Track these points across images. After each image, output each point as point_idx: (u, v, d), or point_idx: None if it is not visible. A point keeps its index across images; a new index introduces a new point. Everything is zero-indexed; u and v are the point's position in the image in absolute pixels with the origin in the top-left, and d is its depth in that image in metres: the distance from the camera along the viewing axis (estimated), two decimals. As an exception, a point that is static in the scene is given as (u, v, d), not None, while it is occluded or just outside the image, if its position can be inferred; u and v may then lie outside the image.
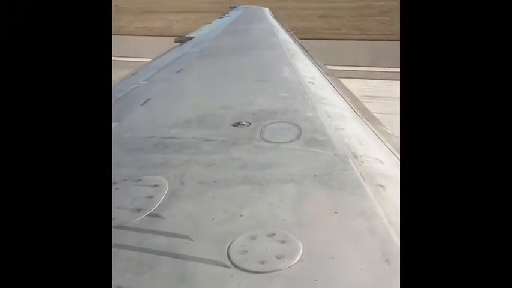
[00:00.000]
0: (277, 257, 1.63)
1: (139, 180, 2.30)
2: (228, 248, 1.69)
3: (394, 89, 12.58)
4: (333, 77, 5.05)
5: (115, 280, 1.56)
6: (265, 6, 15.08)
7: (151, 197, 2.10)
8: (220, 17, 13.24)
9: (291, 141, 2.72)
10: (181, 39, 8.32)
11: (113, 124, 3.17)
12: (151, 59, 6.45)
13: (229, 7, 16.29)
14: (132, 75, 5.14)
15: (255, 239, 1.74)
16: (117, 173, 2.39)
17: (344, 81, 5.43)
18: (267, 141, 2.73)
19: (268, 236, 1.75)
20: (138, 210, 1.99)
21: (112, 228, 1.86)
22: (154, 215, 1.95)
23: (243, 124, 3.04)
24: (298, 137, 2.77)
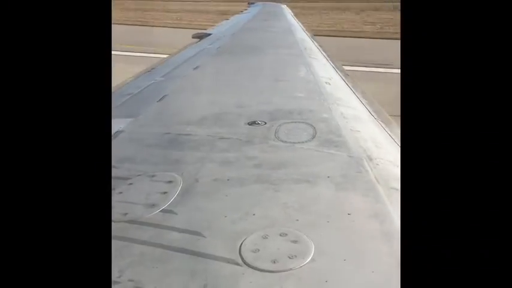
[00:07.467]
0: (289, 257, 1.63)
1: (153, 176, 2.32)
2: (240, 246, 1.70)
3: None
4: (350, 78, 5.03)
5: (127, 274, 1.58)
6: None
7: (165, 193, 2.12)
8: (239, 13, 13.27)
9: (306, 141, 2.72)
10: (199, 35, 8.35)
11: (129, 119, 3.21)
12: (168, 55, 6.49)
13: (248, 3, 16.31)
14: (149, 71, 5.18)
15: (267, 238, 1.74)
16: (132, 168, 2.42)
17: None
18: (281, 141, 2.73)
19: (281, 235, 1.76)
20: (152, 205, 2.01)
21: (125, 223, 1.89)
22: (167, 211, 1.97)
23: (259, 123, 3.05)
24: (313, 137, 2.77)
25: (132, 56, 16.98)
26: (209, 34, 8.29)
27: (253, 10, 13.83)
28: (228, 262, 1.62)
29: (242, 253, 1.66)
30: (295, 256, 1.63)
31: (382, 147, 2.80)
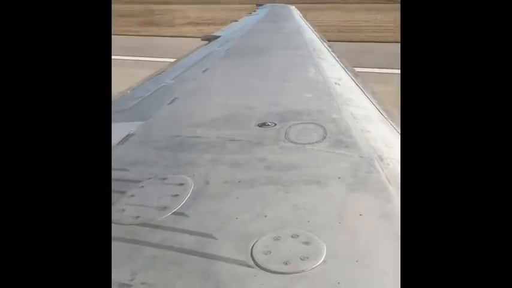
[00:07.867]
0: (300, 258, 1.63)
1: (165, 178, 2.32)
2: (252, 248, 1.70)
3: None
4: (360, 78, 5.01)
5: (139, 277, 1.58)
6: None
7: (176, 195, 2.13)
8: (247, 15, 13.32)
9: (316, 142, 2.71)
10: (208, 38, 8.40)
11: (140, 123, 3.23)
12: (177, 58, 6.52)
13: (256, 5, 16.37)
14: (159, 74, 5.20)
15: (278, 239, 1.74)
16: (143, 171, 2.43)
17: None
18: (292, 142, 2.73)
19: (292, 237, 1.75)
20: (164, 208, 2.02)
21: (137, 226, 1.90)
22: (179, 214, 1.97)
23: (268, 124, 3.05)
24: (324, 138, 2.76)
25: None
26: (218, 36, 8.33)
27: (261, 12, 13.87)
28: (240, 264, 1.62)
29: (254, 255, 1.66)
30: (307, 258, 1.63)
31: (392, 147, 2.78)
